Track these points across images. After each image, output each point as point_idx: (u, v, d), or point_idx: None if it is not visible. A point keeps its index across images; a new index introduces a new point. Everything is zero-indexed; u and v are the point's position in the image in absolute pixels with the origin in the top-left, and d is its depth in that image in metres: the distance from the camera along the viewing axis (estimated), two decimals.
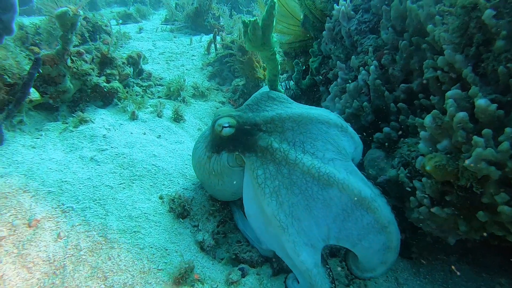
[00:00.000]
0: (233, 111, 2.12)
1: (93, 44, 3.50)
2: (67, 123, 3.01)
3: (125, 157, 2.42)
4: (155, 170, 2.38)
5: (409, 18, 2.01)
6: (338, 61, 2.37)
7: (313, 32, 2.77)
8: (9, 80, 2.63)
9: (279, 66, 2.15)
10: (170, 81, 3.99)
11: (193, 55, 5.14)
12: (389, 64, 2.10)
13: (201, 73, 4.75)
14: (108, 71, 3.34)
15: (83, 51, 3.25)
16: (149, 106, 3.36)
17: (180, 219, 2.15)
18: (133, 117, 3.07)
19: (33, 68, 2.74)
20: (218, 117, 2.05)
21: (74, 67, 3.04)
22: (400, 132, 2.13)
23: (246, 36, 1.92)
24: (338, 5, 2.50)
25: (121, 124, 2.95)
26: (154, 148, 2.59)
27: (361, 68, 2.21)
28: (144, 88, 3.91)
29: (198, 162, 2.14)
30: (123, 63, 3.50)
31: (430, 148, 1.76)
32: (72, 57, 3.04)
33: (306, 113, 2.02)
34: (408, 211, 2.03)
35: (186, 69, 4.76)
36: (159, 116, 3.21)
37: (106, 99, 3.29)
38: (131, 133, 2.77)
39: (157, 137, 2.91)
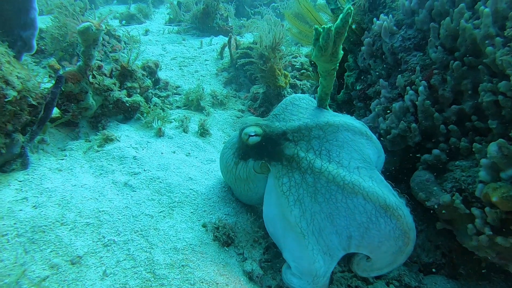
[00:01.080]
0: (260, 120, 2.15)
1: (111, 56, 3.37)
2: (90, 141, 2.91)
3: (161, 182, 2.34)
4: (193, 195, 2.29)
5: (461, 37, 1.94)
6: (381, 79, 2.29)
7: (348, 45, 2.68)
8: (32, 102, 2.51)
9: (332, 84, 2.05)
10: (188, 90, 3.88)
11: (206, 60, 5.02)
12: (439, 85, 2.03)
13: (217, 79, 4.65)
14: (129, 84, 3.23)
15: (101, 64, 3.13)
16: (173, 120, 3.26)
17: (225, 247, 2.08)
18: (160, 133, 2.97)
19: (56, 86, 2.63)
20: (245, 125, 2.09)
21: (96, 83, 2.92)
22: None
23: (317, 43, 1.76)
24: (377, 19, 2.41)
25: (148, 142, 2.85)
26: (189, 170, 2.51)
27: (407, 87, 2.13)
28: (163, 98, 3.80)
29: (226, 167, 2.19)
30: (143, 74, 3.39)
31: (492, 177, 1.71)
32: (93, 72, 2.92)
33: (332, 121, 2.03)
34: (461, 236, 1.98)
35: (201, 76, 4.64)
36: (185, 131, 3.12)
37: (128, 113, 3.18)
38: (162, 153, 2.68)
39: (187, 155, 2.82)
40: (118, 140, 2.82)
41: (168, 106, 3.79)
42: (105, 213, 2.09)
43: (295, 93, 4.08)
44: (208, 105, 3.96)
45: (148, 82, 3.42)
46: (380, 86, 2.29)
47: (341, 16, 1.65)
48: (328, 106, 2.12)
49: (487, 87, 1.81)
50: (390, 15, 2.29)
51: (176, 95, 4.07)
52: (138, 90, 3.29)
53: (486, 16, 1.79)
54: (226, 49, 5.04)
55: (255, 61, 3.81)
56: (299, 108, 2.21)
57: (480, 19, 1.84)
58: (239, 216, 2.26)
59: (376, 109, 2.29)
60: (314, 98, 2.36)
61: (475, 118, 1.94)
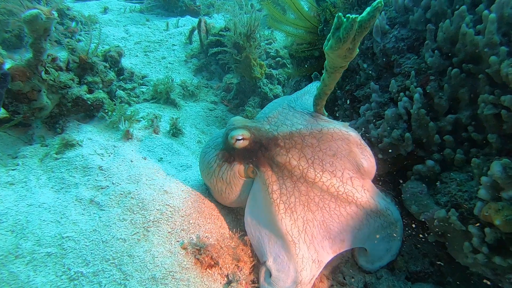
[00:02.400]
0: (248, 122, 2.04)
1: (66, 44, 2.97)
2: (46, 146, 2.57)
3: (132, 197, 2.08)
4: (170, 211, 2.07)
5: (461, 42, 1.80)
6: (371, 82, 2.14)
7: None
8: None
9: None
10: (156, 81, 3.55)
11: (174, 45, 4.64)
12: (435, 92, 1.90)
13: (186, 67, 4.32)
14: (90, 79, 2.86)
15: (56, 55, 2.74)
16: (141, 119, 2.95)
17: (208, 270, 1.90)
18: (128, 136, 2.67)
19: (0, 86, 2.26)
20: (232, 127, 1.98)
21: (50, 79, 2.55)
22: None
23: (337, 34, 1.50)
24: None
25: (115, 147, 2.55)
26: (163, 181, 2.26)
27: (401, 93, 2.00)
28: (128, 91, 3.45)
29: (207, 168, 2.08)
30: (105, 66, 3.02)
31: (492, 195, 1.63)
32: (47, 67, 2.54)
33: (326, 129, 1.95)
34: (454, 250, 1.92)
35: (169, 63, 4.29)
36: (156, 132, 2.84)
37: (90, 112, 2.84)
38: (131, 161, 2.40)
39: (159, 161, 2.56)
40: (80, 145, 2.51)
41: (134, 99, 3.46)
42: (69, 239, 1.83)
43: (271, 83, 3.87)
44: (179, 98, 3.66)
45: (112, 75, 3.06)
46: (370, 89, 2.14)
47: (368, 9, 1.40)
48: (324, 109, 1.95)
49: (488, 99, 1.70)
50: (383, 13, 2.12)
51: (143, 86, 3.72)
52: (101, 85, 2.93)
53: (491, 23, 1.65)
54: (195, 32, 4.69)
55: (229, 50, 3.53)
56: (295, 112, 2.11)
57: (483, 24, 1.71)
58: (222, 233, 2.08)
59: (366, 115, 2.15)
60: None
61: (471, 129, 1.85)
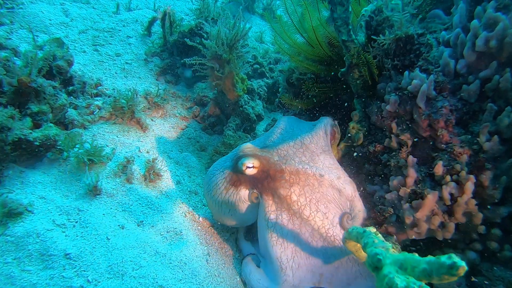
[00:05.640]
0: (258, 151, 2.13)
1: None
2: None
3: None
4: None
5: None
6: (410, 156, 1.85)
7: (356, 88, 2.12)
8: None
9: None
10: (116, 95, 2.85)
11: (129, 37, 3.83)
12: (490, 184, 1.69)
13: (147, 69, 3.59)
14: (35, 108, 2.13)
15: None
16: (107, 159, 2.32)
17: None
18: (95, 192, 2.07)
19: None
20: (242, 154, 2.07)
21: None
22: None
23: None
24: (407, 69, 1.89)
25: (80, 211, 1.95)
26: (155, 269, 1.76)
27: (448, 176, 1.74)
28: (81, 111, 2.72)
29: (214, 190, 2.13)
30: (54, 87, 2.28)
31: None
32: None
33: (327, 176, 2.07)
34: None
35: (126, 62, 3.52)
36: (129, 180, 2.26)
37: (37, 153, 2.15)
38: (108, 238, 1.84)
39: (139, 226, 2.03)
40: (29, 211, 1.86)
41: (89, 118, 2.75)
42: None
43: (252, 100, 3.40)
44: (144, 114, 3.03)
45: (63, 98, 2.34)
46: (407, 163, 1.86)
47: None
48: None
49: None
50: (432, 76, 1.79)
51: (98, 98, 2.99)
52: (50, 115, 2.22)
53: None
54: (156, 22, 3.93)
55: (209, 64, 2.95)
56: (305, 150, 2.17)
57: None
58: None
59: (401, 192, 1.87)
60: None
61: None
